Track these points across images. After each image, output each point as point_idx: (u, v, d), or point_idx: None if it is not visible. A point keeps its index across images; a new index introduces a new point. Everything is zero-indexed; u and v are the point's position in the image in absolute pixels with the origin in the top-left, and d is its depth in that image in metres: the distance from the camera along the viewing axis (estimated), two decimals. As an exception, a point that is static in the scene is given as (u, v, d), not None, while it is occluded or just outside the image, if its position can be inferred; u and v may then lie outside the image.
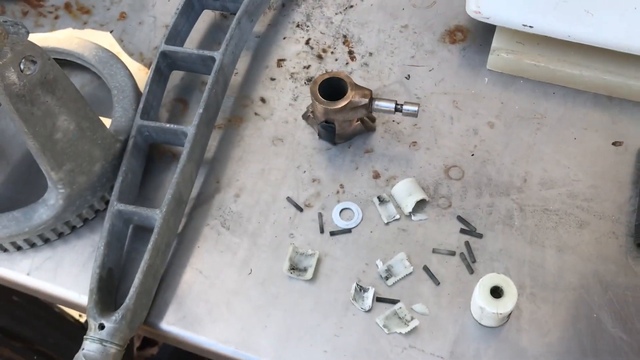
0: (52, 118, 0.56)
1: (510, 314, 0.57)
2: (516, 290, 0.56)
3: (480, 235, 0.63)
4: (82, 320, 1.20)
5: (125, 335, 0.58)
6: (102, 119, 0.65)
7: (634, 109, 0.69)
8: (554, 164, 0.66)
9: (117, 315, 0.57)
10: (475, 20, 0.75)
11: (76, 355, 0.57)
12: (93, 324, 0.57)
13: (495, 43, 0.70)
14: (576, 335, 0.58)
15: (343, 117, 0.66)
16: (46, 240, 0.66)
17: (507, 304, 0.55)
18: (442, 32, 0.76)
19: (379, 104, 0.65)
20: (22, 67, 0.51)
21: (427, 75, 0.73)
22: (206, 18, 0.79)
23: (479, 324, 0.59)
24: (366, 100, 0.65)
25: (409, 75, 0.73)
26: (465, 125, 0.70)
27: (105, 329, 0.57)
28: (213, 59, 0.68)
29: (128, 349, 0.59)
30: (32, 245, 0.66)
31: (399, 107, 0.65)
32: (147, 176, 0.69)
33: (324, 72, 0.73)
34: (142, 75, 0.76)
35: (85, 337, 0.58)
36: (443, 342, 0.58)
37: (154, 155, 0.70)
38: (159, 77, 0.71)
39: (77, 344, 0.57)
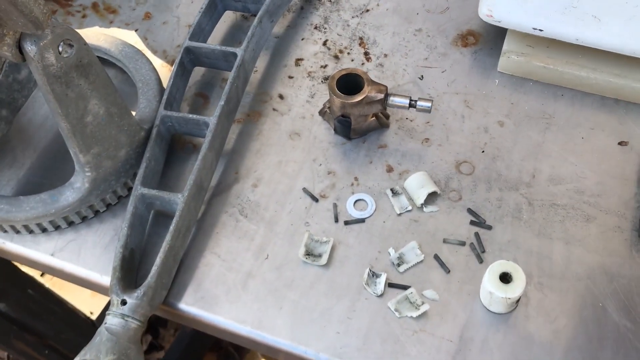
0: (84, 101, 0.59)
1: (518, 300, 0.59)
2: (524, 276, 0.58)
3: (489, 227, 0.65)
4: (94, 317, 1.22)
5: (146, 312, 0.60)
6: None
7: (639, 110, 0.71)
8: (561, 161, 0.69)
9: (139, 292, 0.59)
10: (486, 25, 0.78)
11: (98, 330, 0.59)
12: (116, 300, 0.59)
13: (506, 46, 0.73)
14: (582, 323, 0.60)
15: (359, 111, 0.69)
16: (70, 223, 0.68)
17: (515, 289, 0.57)
18: (454, 36, 0.79)
19: (393, 99, 0.68)
20: (60, 49, 0.54)
21: (439, 76, 0.76)
22: (227, 19, 0.83)
23: (488, 310, 0.61)
24: (382, 96, 0.67)
25: (422, 76, 0.76)
26: (476, 123, 0.72)
27: (127, 304, 0.59)
28: (235, 55, 0.72)
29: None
30: (57, 227, 0.68)
31: (413, 102, 0.68)
32: (168, 165, 0.72)
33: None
34: (165, 71, 0.79)
35: (107, 312, 0.60)
36: (452, 326, 0.60)
37: (176, 146, 0.73)
38: (182, 71, 0.74)
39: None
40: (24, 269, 1.08)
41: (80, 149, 0.62)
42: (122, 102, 0.64)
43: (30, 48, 0.52)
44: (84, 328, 1.15)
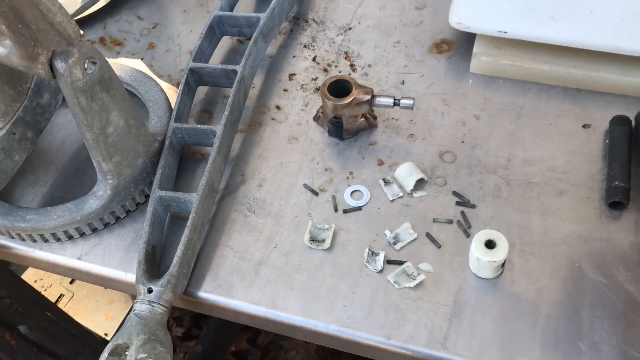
0: (106, 113, 0.66)
1: (503, 263, 0.66)
2: (507, 241, 0.65)
3: (473, 206, 0.73)
4: (108, 338, 1.27)
5: (170, 299, 0.66)
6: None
7: (599, 97, 0.80)
8: (533, 145, 0.77)
9: (163, 280, 0.66)
10: (457, 33, 0.87)
11: (128, 316, 0.65)
12: (142, 289, 0.66)
13: (476, 48, 0.82)
14: (561, 281, 0.66)
15: (349, 112, 0.77)
16: (94, 230, 0.75)
17: (499, 253, 0.64)
18: (429, 45, 0.88)
19: (379, 99, 0.76)
20: (85, 66, 0.62)
21: (419, 81, 0.84)
22: (225, 44, 0.91)
23: (477, 277, 0.67)
24: (369, 97, 0.76)
25: (403, 81, 0.85)
26: (454, 118, 0.80)
27: (153, 292, 0.65)
28: (235, 72, 0.80)
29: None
30: (82, 234, 0.75)
31: (397, 101, 0.76)
32: (180, 174, 0.79)
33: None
34: (171, 92, 0.87)
35: (135, 301, 0.66)
36: (447, 293, 0.67)
37: (185, 157, 0.81)
38: (188, 89, 0.82)
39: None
40: (44, 292, 1.14)
41: (103, 158, 0.69)
42: (138, 114, 0.71)
43: (60, 65, 0.60)
44: (100, 349, 1.20)
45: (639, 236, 0.68)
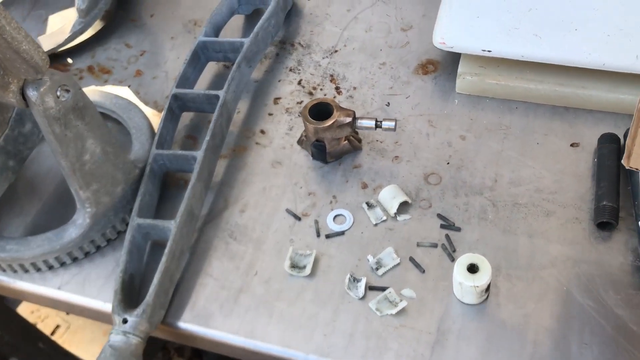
0: (81, 140, 0.66)
1: (487, 288, 0.64)
2: (489, 265, 0.63)
3: (458, 229, 0.71)
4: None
5: (146, 329, 0.65)
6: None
7: (587, 115, 0.78)
8: (520, 165, 0.75)
9: (138, 310, 0.65)
10: (443, 53, 0.86)
11: (103, 347, 0.64)
12: (117, 319, 0.65)
13: (461, 68, 0.81)
14: (549, 306, 0.64)
15: (331, 135, 0.75)
16: (74, 259, 0.74)
17: (482, 277, 0.62)
18: (415, 66, 0.87)
19: (361, 122, 0.75)
20: (58, 94, 0.61)
21: (404, 102, 0.83)
22: (211, 69, 0.91)
23: (462, 302, 0.65)
24: (350, 119, 0.74)
25: (388, 103, 0.83)
26: (440, 139, 0.79)
27: (128, 322, 0.64)
28: (217, 97, 0.79)
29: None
30: (62, 264, 0.74)
31: (378, 123, 0.75)
32: (162, 201, 0.78)
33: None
34: (156, 119, 0.87)
35: (110, 332, 0.65)
36: (430, 320, 0.65)
37: (169, 184, 0.80)
38: (171, 116, 0.81)
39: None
40: (40, 323, 1.13)
41: (80, 186, 0.68)
42: (116, 142, 0.71)
43: (32, 94, 0.60)
44: (94, 381, 1.19)
45: (629, 257, 0.66)
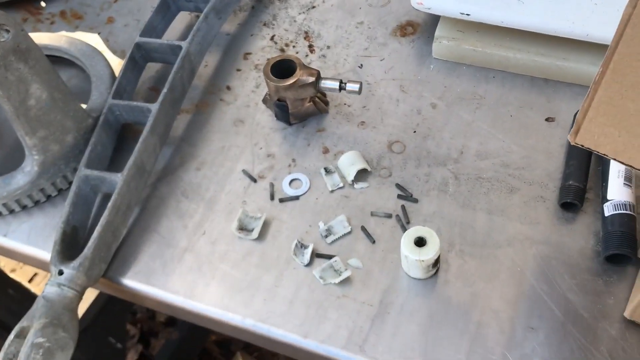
0: (25, 84, 0.63)
1: (436, 264, 0.61)
2: (438, 240, 0.60)
3: (416, 200, 0.67)
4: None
5: (83, 283, 0.63)
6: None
7: (567, 89, 0.73)
8: (489, 137, 0.71)
9: (75, 262, 0.63)
10: (425, 15, 0.82)
11: (36, 299, 0.62)
12: (54, 270, 0.63)
13: (438, 32, 0.76)
14: (500, 286, 0.61)
15: (294, 95, 0.72)
16: (24, 207, 0.72)
17: (429, 251, 0.59)
18: (394, 27, 0.82)
19: (325, 82, 0.71)
20: (-4, 34, 0.59)
21: (378, 65, 0.79)
22: (183, 19, 0.88)
23: (409, 276, 0.63)
24: (313, 79, 0.71)
25: (361, 65, 0.79)
26: (409, 106, 0.75)
27: (64, 274, 0.62)
28: (180, 48, 0.76)
29: None
30: (11, 211, 0.72)
31: (342, 85, 0.71)
32: (118, 153, 0.75)
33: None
34: (122, 69, 0.84)
35: (46, 283, 0.63)
36: (374, 292, 0.62)
37: (127, 135, 0.77)
38: (133, 65, 0.78)
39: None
40: (19, 269, 1.12)
41: (26, 132, 0.66)
42: (66, 88, 0.68)
43: (-34, 32, 0.57)
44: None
45: (590, 241, 0.63)
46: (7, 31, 0.60)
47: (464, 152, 0.70)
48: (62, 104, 0.68)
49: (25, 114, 0.65)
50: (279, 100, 0.73)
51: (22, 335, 0.60)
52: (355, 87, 0.70)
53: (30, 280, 1.30)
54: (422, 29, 0.82)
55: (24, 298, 1.12)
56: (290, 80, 0.71)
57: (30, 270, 1.31)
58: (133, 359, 1.54)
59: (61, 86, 0.67)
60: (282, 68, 0.72)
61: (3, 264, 1.30)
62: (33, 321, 0.60)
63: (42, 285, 1.30)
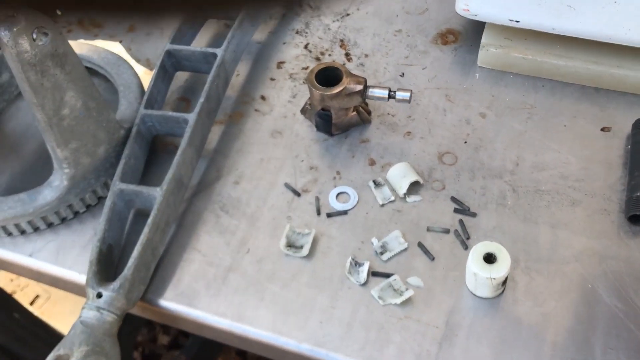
0: (60, 92, 0.59)
1: (504, 282, 0.58)
2: (509, 256, 0.56)
3: (474, 214, 0.64)
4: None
5: (123, 306, 0.58)
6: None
7: (620, 98, 0.71)
8: (544, 148, 0.68)
9: (115, 284, 0.58)
10: (465, 23, 0.79)
11: (74, 323, 0.57)
12: (91, 293, 0.58)
13: (484, 39, 0.74)
14: (571, 305, 0.58)
15: (339, 104, 0.68)
16: (50, 225, 0.67)
17: (500, 269, 0.56)
18: (434, 35, 0.79)
19: (373, 91, 0.68)
20: (34, 36, 0.54)
21: (420, 73, 0.76)
22: (210, 28, 0.84)
23: (474, 295, 0.59)
24: (361, 87, 0.67)
25: (403, 74, 0.76)
26: (457, 116, 0.72)
27: (102, 297, 0.58)
28: (215, 55, 0.72)
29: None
30: (36, 229, 0.67)
31: (392, 93, 0.68)
32: (150, 166, 0.71)
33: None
34: (147, 78, 0.79)
35: (83, 306, 0.58)
36: (438, 312, 0.58)
37: (158, 148, 0.73)
38: (164, 74, 0.74)
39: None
40: (20, 291, 1.06)
41: (58, 143, 0.61)
42: (100, 97, 0.64)
43: (3, 34, 0.53)
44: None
45: (662, 256, 0.60)
46: (46, 34, 0.55)
47: (519, 164, 0.67)
48: (96, 114, 0.64)
49: (59, 124, 0.60)
50: (322, 109, 0.69)
51: (57, 364, 0.55)
52: (406, 95, 0.67)
53: (31, 303, 1.24)
54: (463, 36, 0.79)
55: (29, 322, 1.05)
56: (338, 89, 0.67)
57: (31, 292, 1.24)
58: (118, 343, 1.47)
59: (95, 94, 0.63)
60: (327, 76, 0.69)
61: (1, 284, 1.23)
62: (72, 349, 0.55)
63: (44, 308, 1.24)
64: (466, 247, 0.62)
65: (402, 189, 0.65)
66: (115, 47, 0.84)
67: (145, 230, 0.61)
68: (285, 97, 0.76)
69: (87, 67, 0.78)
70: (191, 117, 0.67)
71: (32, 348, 1.06)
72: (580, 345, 0.55)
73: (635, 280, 0.58)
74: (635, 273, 0.59)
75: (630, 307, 0.57)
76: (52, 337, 1.11)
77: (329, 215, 0.66)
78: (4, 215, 0.65)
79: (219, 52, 0.72)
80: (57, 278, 0.65)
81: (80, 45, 0.79)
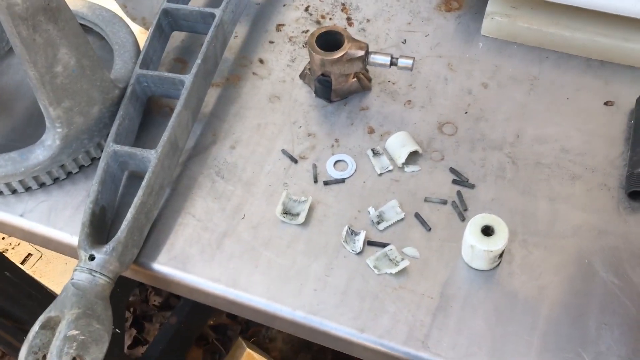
0: (53, 48, 0.57)
1: (501, 255, 0.57)
2: (507, 229, 0.56)
3: (472, 186, 0.63)
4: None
5: (115, 269, 0.58)
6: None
7: (626, 71, 0.70)
8: (546, 121, 0.67)
9: (107, 247, 0.57)
10: (470, -10, 0.77)
11: (65, 286, 0.57)
12: (83, 255, 0.57)
13: (489, 7, 0.72)
14: (568, 279, 0.57)
15: (339, 69, 0.67)
16: (41, 185, 0.66)
17: (497, 241, 0.55)
18: (437, 1, 0.77)
19: (375, 57, 0.66)
20: (25, -11, 0.52)
21: (422, 40, 0.74)
22: (209, -13, 0.81)
23: (470, 267, 0.59)
24: (362, 53, 0.66)
25: (405, 40, 0.75)
26: (459, 85, 0.71)
27: (95, 259, 0.57)
28: (213, 16, 0.70)
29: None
30: (28, 188, 0.66)
31: (394, 60, 0.66)
32: (144, 128, 0.70)
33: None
34: (143, 37, 0.77)
35: (74, 268, 0.57)
36: (433, 283, 0.58)
37: (152, 109, 0.71)
38: (160, 34, 0.72)
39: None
40: (11, 250, 1.05)
41: (50, 102, 0.60)
42: (94, 54, 0.62)
43: (-7, -15, 0.51)
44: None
45: (661, 233, 0.59)
46: (38, -13, 0.53)
47: (520, 136, 0.66)
48: (90, 72, 0.62)
49: (51, 81, 0.59)
50: (322, 75, 0.68)
51: (48, 326, 0.54)
52: (409, 62, 0.66)
53: (23, 262, 1.23)
54: (467, 4, 0.77)
55: (21, 281, 1.05)
56: (339, 54, 0.65)
57: (23, 251, 1.24)
58: (127, 344, 1.48)
59: (90, 52, 0.61)
60: (328, 40, 0.67)
61: (-7, 243, 1.22)
62: (64, 311, 0.54)
63: (36, 267, 1.23)
64: (463, 219, 0.61)
65: (401, 158, 0.64)
66: (111, 5, 0.81)
67: (140, 193, 0.60)
68: (284, 61, 0.74)
69: (81, 25, 0.76)
70: (187, 78, 0.66)
71: (23, 306, 1.06)
72: (575, 319, 0.55)
73: (633, 256, 0.58)
74: (633, 249, 0.59)
75: (626, 282, 0.57)
76: (44, 296, 1.11)
77: (326, 183, 0.65)
78: (-5, 173, 0.63)
79: (217, 12, 0.70)
80: (48, 239, 0.64)
81: (75, 1, 0.77)
